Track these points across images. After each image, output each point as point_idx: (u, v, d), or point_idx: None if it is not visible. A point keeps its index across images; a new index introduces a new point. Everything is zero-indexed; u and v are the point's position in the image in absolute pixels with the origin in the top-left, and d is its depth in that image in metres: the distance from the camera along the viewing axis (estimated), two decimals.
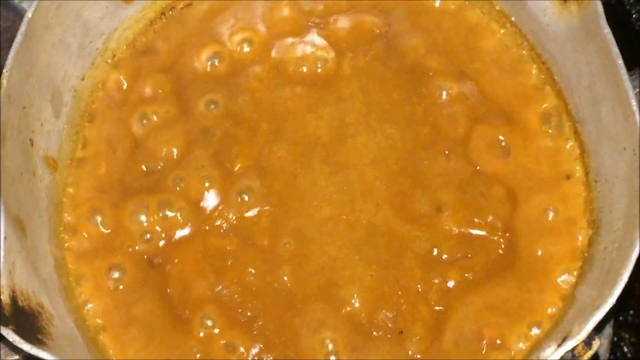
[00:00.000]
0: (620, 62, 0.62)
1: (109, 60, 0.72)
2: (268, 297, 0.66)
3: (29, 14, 0.65)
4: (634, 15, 0.85)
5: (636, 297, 0.85)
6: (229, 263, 0.67)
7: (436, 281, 0.66)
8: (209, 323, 0.65)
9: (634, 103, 0.61)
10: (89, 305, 0.67)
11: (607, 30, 0.63)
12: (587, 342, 0.56)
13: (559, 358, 0.56)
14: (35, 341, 0.58)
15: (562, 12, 0.67)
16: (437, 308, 0.66)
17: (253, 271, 0.67)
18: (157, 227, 0.68)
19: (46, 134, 0.68)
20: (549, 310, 0.65)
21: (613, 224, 0.63)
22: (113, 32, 0.72)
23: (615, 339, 0.84)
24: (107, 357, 0.66)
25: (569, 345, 0.56)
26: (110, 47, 0.73)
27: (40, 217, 0.66)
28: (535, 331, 0.64)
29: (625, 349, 0.84)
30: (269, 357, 0.65)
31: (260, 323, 0.65)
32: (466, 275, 0.66)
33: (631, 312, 0.83)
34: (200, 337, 0.65)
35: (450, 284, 0.66)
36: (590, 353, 0.55)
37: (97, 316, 0.67)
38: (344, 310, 0.65)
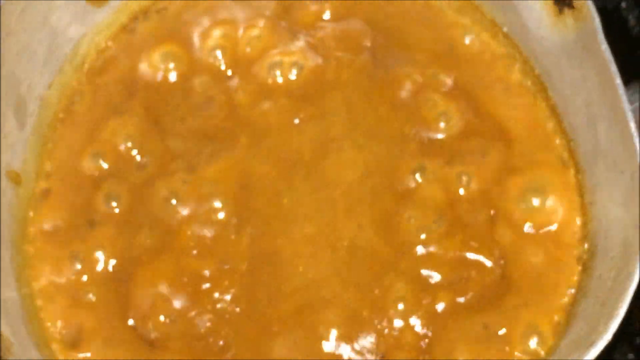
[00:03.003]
0: (619, 81, 0.59)
1: (78, 67, 0.68)
2: (242, 324, 0.62)
3: None
4: (630, 22, 0.81)
5: None
6: (204, 288, 0.63)
7: (424, 302, 0.63)
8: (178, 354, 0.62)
9: (632, 125, 0.58)
10: (54, 330, 0.63)
11: (604, 46, 0.59)
12: None
13: None
14: None
15: (558, 25, 0.63)
16: (422, 332, 0.62)
17: (228, 298, 0.63)
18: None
19: (9, 147, 0.64)
20: (543, 341, 0.61)
21: (609, 250, 0.60)
22: (82, 38, 0.68)
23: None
24: None
25: None
26: (80, 53, 0.69)
27: (1, 235, 0.62)
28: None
29: None
30: None
31: (233, 352, 0.62)
32: (458, 299, 0.63)
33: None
34: None
35: (440, 307, 0.63)
36: None
37: (63, 340, 0.63)
38: (320, 336, 0.62)
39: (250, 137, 0.67)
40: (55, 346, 0.63)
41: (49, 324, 0.63)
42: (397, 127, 0.67)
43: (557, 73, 0.65)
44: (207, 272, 0.64)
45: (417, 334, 0.62)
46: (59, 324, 0.63)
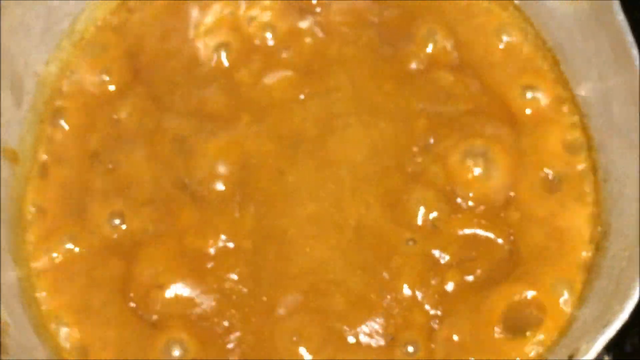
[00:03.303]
0: (635, 52, 0.57)
1: (76, 43, 0.67)
2: (248, 305, 0.61)
3: None
4: None
5: None
6: (208, 267, 0.62)
7: (433, 282, 0.61)
8: (180, 338, 0.60)
9: None
10: (52, 312, 0.62)
11: (621, 17, 0.57)
12: None
13: None
14: None
15: None
16: (432, 312, 0.61)
17: (234, 277, 0.61)
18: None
19: (5, 124, 0.62)
20: (554, 320, 0.59)
21: (623, 229, 0.58)
22: (80, 13, 0.66)
23: None
24: None
25: None
26: (78, 29, 0.67)
27: None
28: (538, 338, 0.59)
29: None
30: None
31: (237, 334, 0.60)
32: (466, 277, 0.61)
33: None
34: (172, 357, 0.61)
35: (449, 286, 0.61)
36: None
37: (60, 321, 0.62)
38: (328, 319, 0.60)
39: (253, 115, 0.65)
40: (53, 328, 0.61)
41: (47, 305, 0.62)
42: (403, 103, 0.65)
43: (569, 45, 0.63)
44: (211, 251, 0.62)
45: (426, 314, 0.61)
46: (58, 305, 0.62)
